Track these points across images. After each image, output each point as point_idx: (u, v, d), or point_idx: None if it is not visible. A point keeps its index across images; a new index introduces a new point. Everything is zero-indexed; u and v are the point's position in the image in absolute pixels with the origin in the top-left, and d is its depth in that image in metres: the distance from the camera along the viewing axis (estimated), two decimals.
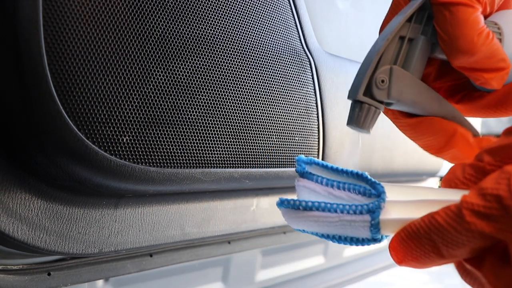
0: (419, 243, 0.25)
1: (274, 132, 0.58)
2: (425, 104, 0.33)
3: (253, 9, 0.56)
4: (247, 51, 0.54)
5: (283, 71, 0.59)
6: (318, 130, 0.65)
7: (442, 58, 0.35)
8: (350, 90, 0.33)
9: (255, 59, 0.55)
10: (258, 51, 0.56)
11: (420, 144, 0.35)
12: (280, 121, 0.58)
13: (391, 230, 0.27)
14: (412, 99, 0.32)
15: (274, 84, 0.58)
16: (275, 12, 0.60)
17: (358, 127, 0.32)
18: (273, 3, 0.59)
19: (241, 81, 0.53)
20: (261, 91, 0.56)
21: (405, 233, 0.25)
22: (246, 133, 0.54)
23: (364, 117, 0.32)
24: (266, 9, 0.58)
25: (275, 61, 0.58)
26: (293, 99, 0.61)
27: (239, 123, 0.53)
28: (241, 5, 0.54)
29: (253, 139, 0.55)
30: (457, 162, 0.34)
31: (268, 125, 0.57)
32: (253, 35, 0.55)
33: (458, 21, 0.31)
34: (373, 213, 0.27)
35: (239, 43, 0.53)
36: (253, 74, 0.55)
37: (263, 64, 0.56)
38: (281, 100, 0.59)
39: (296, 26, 0.64)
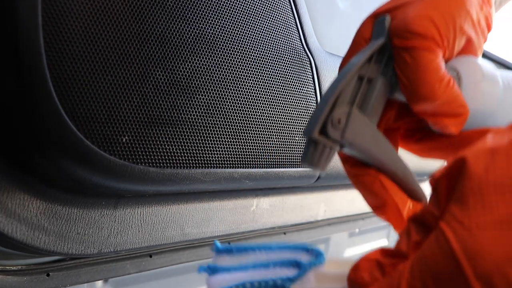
0: None
1: (274, 132, 0.58)
2: (376, 155, 0.32)
3: (253, 9, 0.56)
4: (247, 51, 0.54)
5: (283, 71, 0.59)
6: None
7: (401, 100, 0.34)
8: (306, 127, 0.32)
9: (255, 59, 0.55)
10: (258, 51, 0.56)
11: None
12: (280, 121, 0.58)
13: None
14: (364, 146, 0.32)
15: (274, 84, 0.58)
16: (275, 11, 0.59)
17: (312, 165, 0.31)
18: (273, 3, 0.59)
19: (241, 81, 0.53)
20: (261, 91, 0.56)
21: None
22: (246, 133, 0.54)
23: (318, 156, 0.31)
24: (266, 9, 0.58)
25: (275, 61, 0.58)
26: (293, 99, 0.60)
27: (239, 123, 0.53)
28: (241, 5, 0.54)
29: (253, 139, 0.55)
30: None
31: (268, 125, 0.57)
32: (253, 35, 0.55)
33: (419, 67, 0.31)
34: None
35: (239, 43, 0.53)
36: (253, 74, 0.55)
37: (263, 64, 0.56)
38: (281, 100, 0.58)
39: (296, 25, 0.64)
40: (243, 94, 0.53)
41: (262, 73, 0.56)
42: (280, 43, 0.60)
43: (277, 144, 0.58)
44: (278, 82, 0.58)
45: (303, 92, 0.62)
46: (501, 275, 0.18)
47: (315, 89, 0.64)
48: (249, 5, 0.55)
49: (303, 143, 0.62)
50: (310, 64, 0.64)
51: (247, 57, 0.54)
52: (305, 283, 0.28)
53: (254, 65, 0.55)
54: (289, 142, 0.60)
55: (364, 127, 0.32)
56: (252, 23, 0.55)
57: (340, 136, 0.31)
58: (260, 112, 0.56)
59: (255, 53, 0.55)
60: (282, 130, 0.59)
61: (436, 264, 0.20)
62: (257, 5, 0.56)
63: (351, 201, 0.87)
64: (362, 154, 0.32)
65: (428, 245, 0.21)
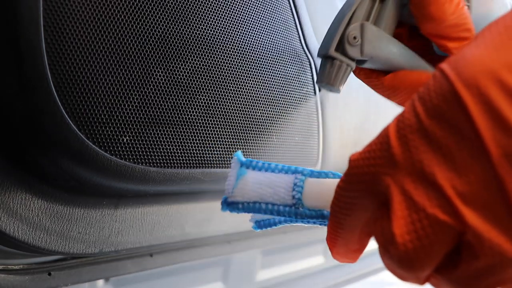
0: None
1: (274, 132, 0.58)
2: (398, 60, 0.32)
3: (253, 9, 0.56)
4: (247, 52, 0.55)
5: (283, 71, 0.59)
6: (318, 130, 0.65)
7: (411, 22, 0.34)
8: (320, 47, 0.32)
9: (255, 59, 0.56)
10: (258, 51, 0.56)
11: (396, 101, 0.34)
12: (280, 121, 0.59)
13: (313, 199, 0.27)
14: (385, 55, 0.32)
15: (274, 84, 0.58)
16: (275, 12, 0.60)
17: (329, 84, 0.31)
18: (273, 3, 0.59)
19: (241, 81, 0.53)
20: (261, 91, 0.56)
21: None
22: (246, 133, 0.54)
23: (335, 73, 0.31)
24: (266, 9, 0.58)
25: (275, 61, 0.58)
26: (293, 100, 0.61)
27: (239, 123, 0.53)
28: (241, 5, 0.54)
29: (253, 139, 0.55)
30: None
31: (268, 125, 0.57)
32: (253, 35, 0.56)
33: None
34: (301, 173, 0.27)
35: (239, 44, 0.54)
36: (253, 74, 0.55)
37: (263, 64, 0.57)
38: (281, 100, 0.59)
39: (296, 26, 0.64)
40: (243, 94, 0.54)
41: (262, 73, 0.56)
42: (280, 43, 0.60)
43: (277, 144, 0.58)
44: (278, 82, 0.58)
45: (303, 93, 0.62)
46: (491, 79, 0.18)
47: (314, 89, 0.65)
48: (249, 5, 0.55)
49: (303, 143, 0.62)
50: (310, 64, 0.64)
51: (247, 58, 0.54)
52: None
53: (254, 65, 0.55)
54: (289, 142, 0.60)
55: (381, 38, 0.32)
56: (252, 24, 0.56)
57: (360, 53, 0.31)
58: (260, 112, 0.56)
59: (255, 53, 0.56)
60: (282, 130, 0.59)
61: (429, 93, 0.19)
62: (257, 5, 0.57)
63: None
64: (384, 64, 0.32)
65: (424, 85, 0.20)
